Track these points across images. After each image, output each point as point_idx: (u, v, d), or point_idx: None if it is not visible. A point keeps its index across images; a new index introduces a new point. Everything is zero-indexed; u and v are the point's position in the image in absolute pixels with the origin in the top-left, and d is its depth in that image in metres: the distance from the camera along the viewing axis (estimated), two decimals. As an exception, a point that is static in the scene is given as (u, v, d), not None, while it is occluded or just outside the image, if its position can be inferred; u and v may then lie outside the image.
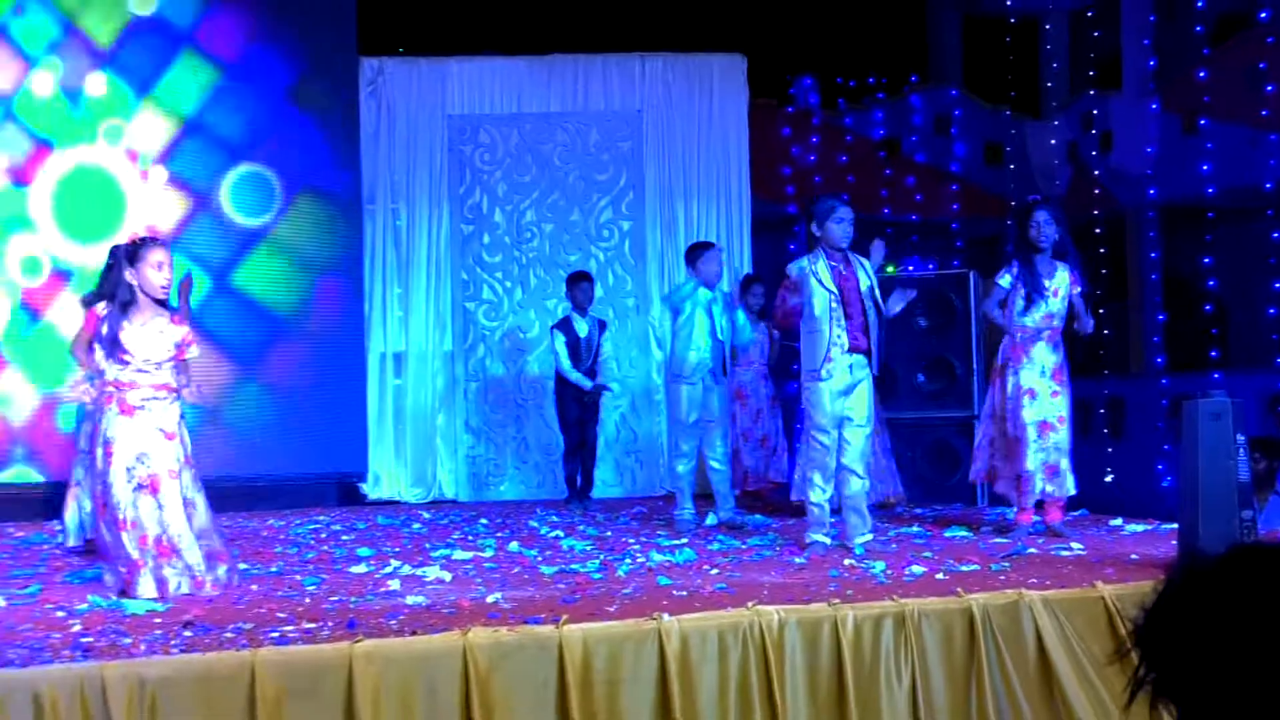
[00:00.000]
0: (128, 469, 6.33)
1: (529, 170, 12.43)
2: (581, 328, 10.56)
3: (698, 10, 12.76)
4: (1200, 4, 13.24)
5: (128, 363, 6.40)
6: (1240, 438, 6.40)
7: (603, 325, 10.74)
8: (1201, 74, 13.45)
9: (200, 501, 6.55)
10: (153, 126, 11.35)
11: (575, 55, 12.50)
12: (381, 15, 12.13)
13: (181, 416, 6.62)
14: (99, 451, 6.41)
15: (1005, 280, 8.01)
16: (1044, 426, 7.82)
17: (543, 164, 12.43)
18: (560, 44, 12.45)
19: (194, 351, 6.65)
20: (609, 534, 8.65)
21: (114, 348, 6.38)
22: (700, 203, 12.48)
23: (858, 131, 15.01)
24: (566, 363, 10.51)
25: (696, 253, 9.27)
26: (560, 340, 10.57)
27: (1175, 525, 6.76)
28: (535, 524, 9.29)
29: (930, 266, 11.79)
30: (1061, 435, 7.87)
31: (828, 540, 7.50)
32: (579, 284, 10.68)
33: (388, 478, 12.10)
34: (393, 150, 12.30)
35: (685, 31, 12.60)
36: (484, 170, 12.43)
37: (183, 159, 11.48)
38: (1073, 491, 7.99)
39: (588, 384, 10.47)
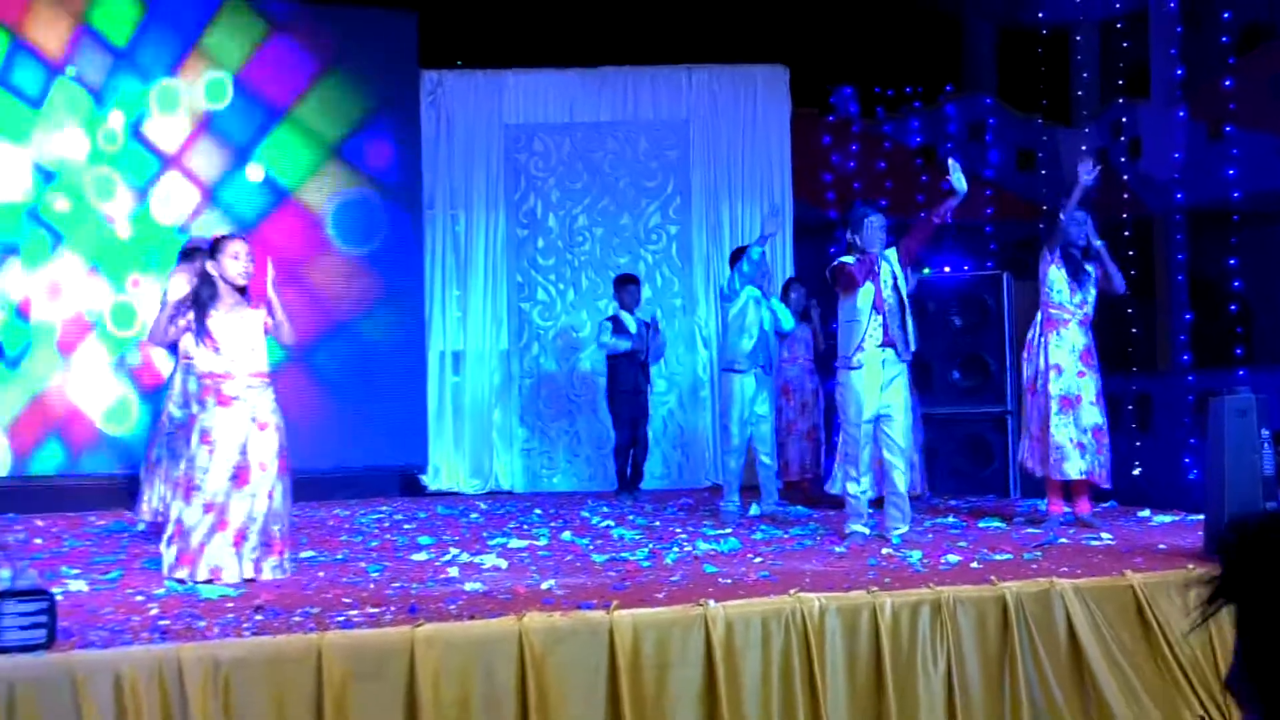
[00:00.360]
0: (226, 459, 6.38)
1: (581, 177, 12.46)
2: (630, 325, 10.58)
3: (742, 23, 12.70)
4: (1226, 15, 13.16)
5: (219, 351, 6.46)
6: (1265, 432, 6.41)
7: (650, 325, 10.74)
8: (1227, 83, 13.33)
9: (279, 490, 6.61)
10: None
11: (625, 67, 12.52)
12: (441, 30, 12.15)
13: (276, 406, 6.69)
14: (194, 439, 6.46)
15: (1055, 266, 8.00)
16: (1066, 401, 7.80)
17: (594, 171, 12.45)
18: (611, 57, 12.44)
19: (286, 336, 6.78)
20: (657, 524, 8.68)
21: (203, 336, 6.45)
22: (744, 208, 12.49)
23: (895, 139, 14.91)
24: (609, 338, 10.69)
25: (736, 257, 9.41)
26: (608, 329, 10.71)
27: (1202, 517, 6.72)
28: (587, 514, 9.33)
29: (966, 268, 11.71)
30: (1095, 416, 7.84)
31: (866, 530, 7.51)
32: (626, 286, 10.76)
33: (447, 470, 12.16)
34: (452, 158, 12.36)
35: (730, 43, 12.57)
36: (538, 177, 12.47)
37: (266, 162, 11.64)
38: (1104, 482, 7.94)
39: (626, 345, 10.58)
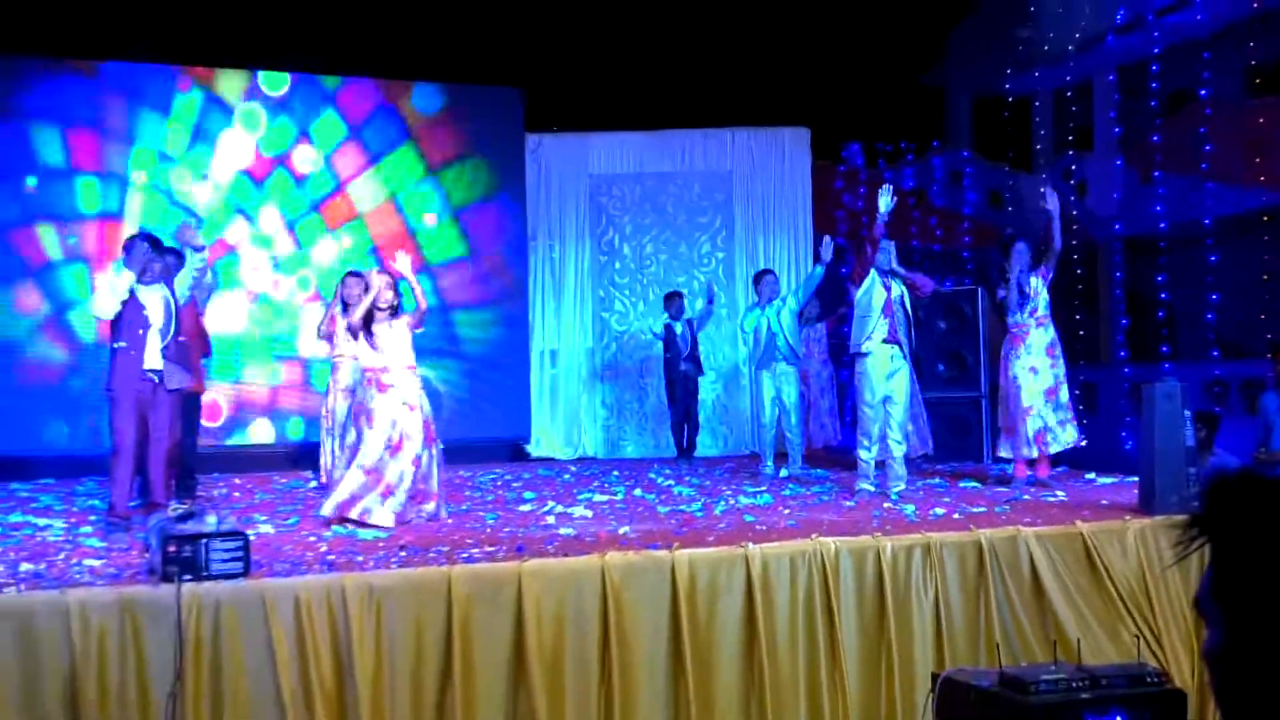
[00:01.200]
0: (384, 434, 6.48)
1: (649, 215, 12.46)
2: (677, 328, 10.63)
3: (774, 95, 12.68)
4: (1154, 85, 13.07)
5: (378, 349, 6.57)
6: (1187, 413, 6.34)
7: (691, 324, 10.76)
8: (1155, 138, 13.26)
9: (426, 456, 6.70)
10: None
11: (682, 130, 12.50)
12: (541, 102, 12.22)
13: (422, 391, 6.79)
14: (360, 417, 6.59)
15: (1001, 293, 7.95)
16: (1050, 393, 7.72)
17: (659, 211, 12.46)
18: (672, 121, 12.44)
19: (421, 300, 6.83)
20: (708, 483, 8.67)
21: (369, 338, 6.59)
22: (775, 238, 12.44)
23: (893, 183, 14.84)
24: (658, 346, 11.03)
25: (759, 278, 9.71)
26: (659, 344, 10.88)
27: (1136, 479, 6.63)
28: (653, 475, 9.32)
29: (948, 284, 11.66)
30: (1063, 394, 7.77)
31: (872, 488, 7.47)
32: (672, 301, 10.86)
33: (545, 440, 12.18)
34: (549, 201, 12.39)
35: (764, 111, 12.56)
36: (615, 216, 12.48)
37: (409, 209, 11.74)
38: (1075, 440, 7.87)
39: (648, 336, 11.07)
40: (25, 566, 5.10)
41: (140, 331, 6.53)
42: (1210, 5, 12.81)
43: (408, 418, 6.57)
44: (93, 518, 6.93)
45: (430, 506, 6.73)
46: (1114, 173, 14.61)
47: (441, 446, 7.01)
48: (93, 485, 8.78)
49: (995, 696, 3.83)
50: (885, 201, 7.61)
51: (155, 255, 6.69)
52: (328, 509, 6.50)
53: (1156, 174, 13.22)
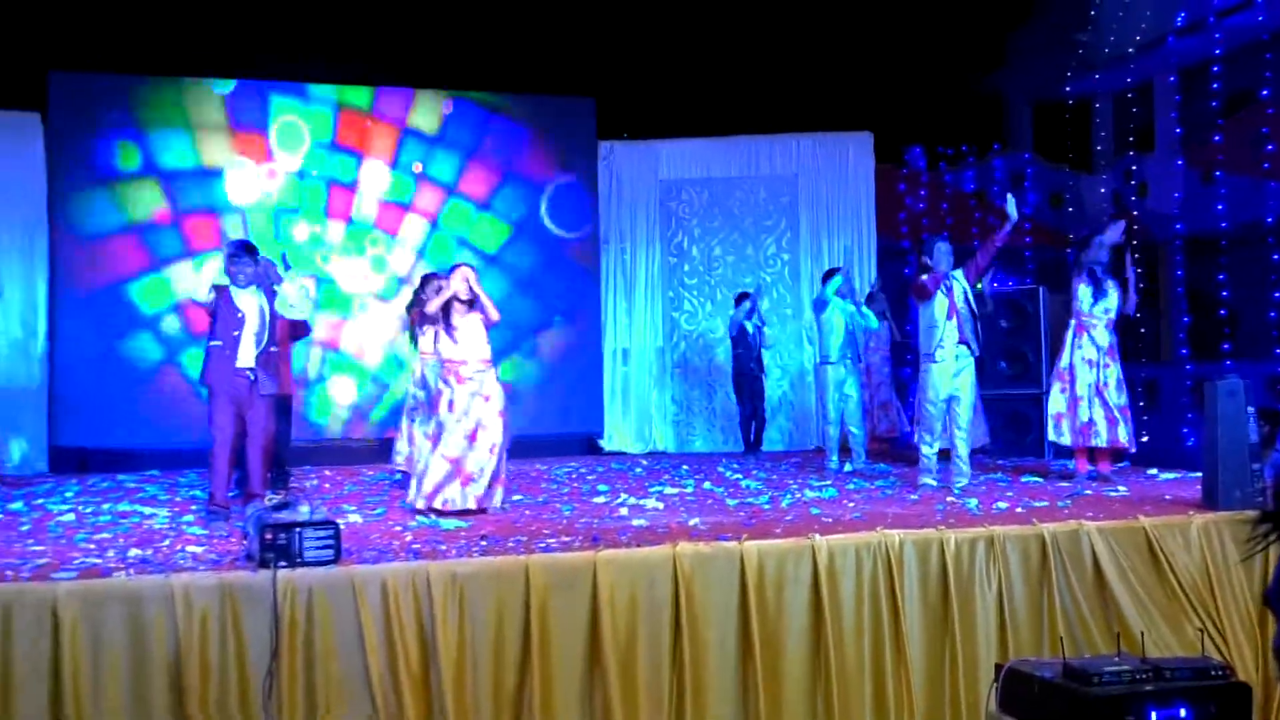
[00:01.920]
0: (462, 424, 6.54)
1: (716, 218, 12.43)
2: (748, 327, 10.63)
3: (837, 101, 12.58)
4: (1215, 85, 12.78)
5: (457, 343, 6.62)
6: (1249, 409, 6.20)
7: (761, 326, 10.72)
8: (1217, 138, 12.93)
9: (499, 445, 6.72)
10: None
11: (750, 136, 12.45)
12: (612, 111, 12.24)
13: (497, 382, 6.82)
14: (441, 408, 6.63)
15: (1080, 286, 7.79)
16: (1099, 388, 7.59)
17: (726, 214, 12.42)
18: (739, 128, 12.41)
19: (494, 314, 6.80)
20: (774, 477, 8.62)
21: (449, 330, 6.64)
22: (839, 240, 12.33)
23: (955, 186, 14.67)
24: (725, 354, 11.05)
25: (827, 276, 9.54)
26: (728, 342, 10.81)
27: (1199, 474, 6.48)
28: (722, 469, 9.29)
29: (1011, 283, 11.49)
30: (1121, 397, 7.62)
31: (934, 482, 7.38)
32: (740, 302, 10.74)
33: (618, 435, 12.20)
34: (620, 205, 12.41)
35: (828, 117, 12.45)
36: (684, 219, 12.46)
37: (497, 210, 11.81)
38: (1132, 445, 7.73)
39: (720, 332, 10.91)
40: (134, 552, 5.23)
41: (235, 332, 6.64)
42: (1272, 6, 12.50)
43: (483, 408, 6.63)
44: (194, 507, 7.06)
45: (499, 492, 6.76)
46: (1175, 173, 14.27)
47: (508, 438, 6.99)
48: (194, 477, 8.93)
49: (1059, 688, 3.76)
50: (1011, 207, 7.50)
51: (249, 261, 6.79)
52: (413, 498, 6.59)
53: (1218, 174, 12.93)
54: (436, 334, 6.90)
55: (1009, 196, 7.63)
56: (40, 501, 7.64)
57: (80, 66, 10.89)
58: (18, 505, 7.43)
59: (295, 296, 6.92)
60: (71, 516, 6.76)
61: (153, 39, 10.93)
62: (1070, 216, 15.25)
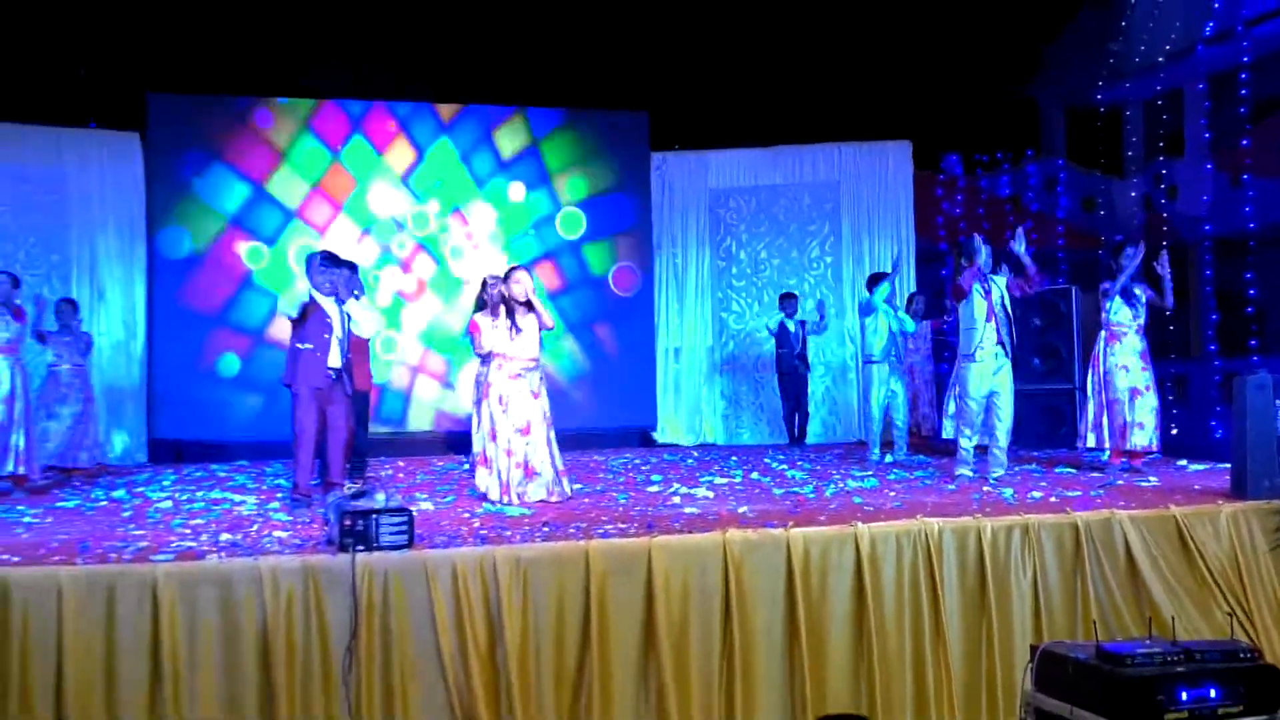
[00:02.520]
0: (514, 418, 6.59)
1: (763, 224, 12.38)
2: (790, 326, 10.56)
3: (877, 111, 12.48)
4: (1244, 92, 12.55)
5: (514, 339, 6.66)
6: (1278, 402, 6.07)
7: (803, 324, 10.66)
8: (1245, 143, 12.71)
9: (550, 436, 6.75)
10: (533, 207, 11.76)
11: (794, 145, 12.38)
12: (664, 124, 12.25)
13: (543, 380, 6.86)
14: (492, 400, 6.68)
15: (1106, 287, 7.71)
16: (1134, 392, 7.47)
17: (772, 220, 12.37)
18: (784, 138, 12.34)
19: (549, 320, 6.84)
20: (818, 467, 8.57)
21: (514, 331, 6.67)
22: (880, 244, 12.23)
23: (990, 191, 14.49)
24: (771, 348, 10.85)
25: (873, 281, 9.46)
26: (772, 341, 10.73)
27: (1228, 465, 6.35)
28: (768, 460, 9.25)
29: (1044, 283, 11.31)
30: (1154, 399, 7.50)
31: (971, 473, 7.30)
32: (785, 301, 10.77)
33: (670, 428, 12.20)
34: (672, 212, 12.41)
35: (868, 126, 12.36)
36: (733, 224, 12.43)
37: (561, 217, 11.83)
38: (1154, 445, 7.59)
39: (763, 334, 10.80)
40: (224, 537, 5.31)
41: (325, 336, 6.70)
42: (1300, 15, 12.26)
43: (532, 404, 6.67)
44: (279, 495, 7.16)
45: (565, 483, 6.82)
46: (1204, 177, 14.00)
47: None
48: (279, 467, 9.05)
49: (1093, 668, 3.71)
50: (1020, 247, 7.38)
51: (334, 270, 6.87)
52: (483, 488, 6.64)
53: (1246, 177, 12.69)
54: (499, 331, 6.90)
55: (1019, 231, 7.46)
56: (140, 489, 7.78)
57: (176, 88, 11.10)
58: (120, 493, 7.56)
59: (362, 316, 7.01)
60: (169, 503, 6.88)
61: (244, 61, 11.11)
62: (1102, 220, 15.05)
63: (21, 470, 7.67)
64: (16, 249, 10.56)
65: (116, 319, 10.94)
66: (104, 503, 7.08)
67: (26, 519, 6.24)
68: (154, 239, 11.00)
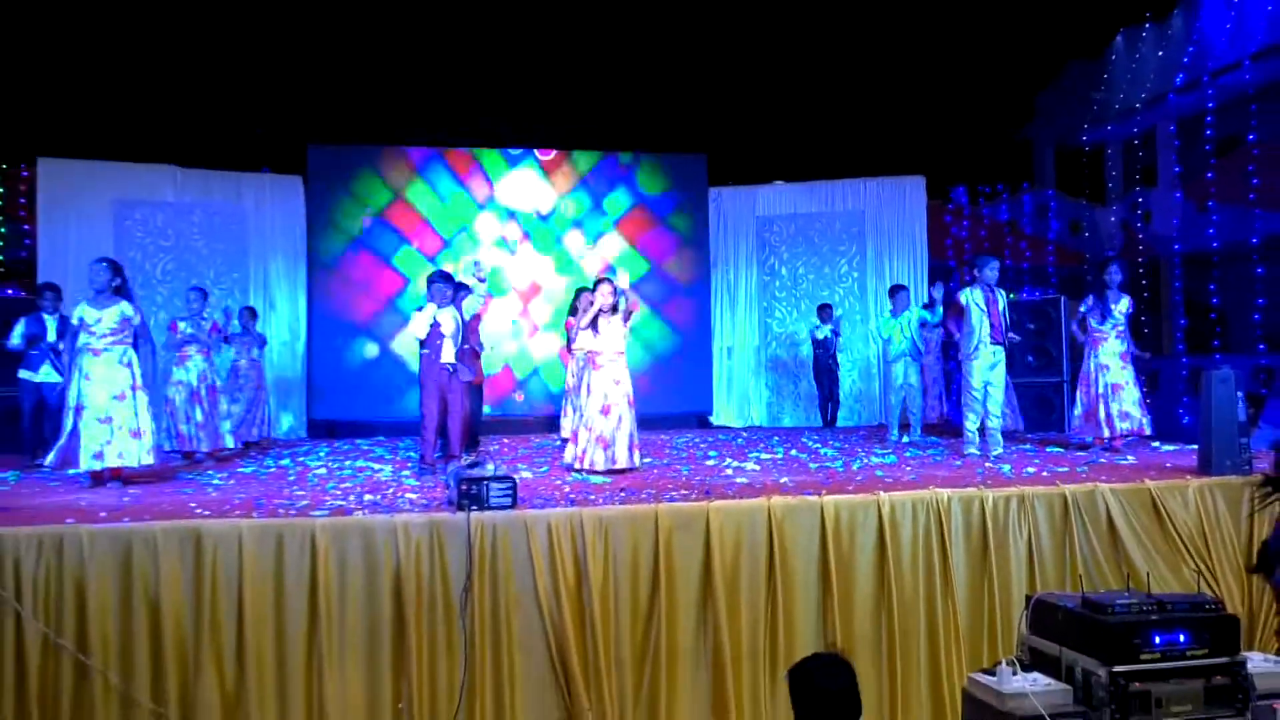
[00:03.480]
0: (600, 402, 6.59)
1: (801, 245, 12.22)
2: (823, 332, 10.42)
3: (896, 151, 12.33)
4: (1209, 132, 12.12)
5: (598, 337, 6.67)
6: (1239, 394, 5.83)
7: (836, 332, 10.52)
8: (1210, 175, 12.28)
9: (630, 417, 6.72)
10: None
11: (827, 180, 12.20)
12: (720, 164, 12.21)
13: (625, 369, 6.79)
14: (584, 389, 6.69)
15: (1083, 308, 7.50)
16: (1116, 387, 7.25)
17: (808, 242, 12.19)
18: (819, 174, 12.20)
19: (635, 318, 6.81)
20: (847, 446, 8.45)
21: (595, 331, 6.68)
22: (897, 262, 12.00)
23: (991, 217, 14.20)
24: (808, 348, 10.74)
25: (894, 291, 9.18)
26: (809, 343, 10.59)
27: (1196, 446, 6.14)
28: (805, 440, 9.15)
29: (1036, 293, 11.07)
30: (1136, 392, 7.27)
31: (976, 452, 7.14)
32: (822, 311, 10.57)
33: (723, 413, 12.12)
34: (726, 236, 12.30)
35: (889, 163, 12.18)
36: (776, 246, 12.29)
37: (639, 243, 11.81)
38: (1146, 429, 7.34)
39: (820, 337, 10.49)
40: (367, 497, 5.40)
41: (438, 341, 6.81)
42: (1257, 68, 11.81)
43: (615, 390, 6.66)
44: (410, 465, 7.25)
45: (636, 455, 6.75)
46: (1174, 204, 13.56)
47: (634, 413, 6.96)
48: (409, 442, 9.15)
49: (1079, 616, 3.60)
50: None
51: (448, 287, 6.96)
52: (569, 460, 6.67)
53: (1210, 204, 12.27)
54: (586, 331, 6.92)
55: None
56: (302, 459, 7.93)
57: (330, 140, 11.34)
58: (286, 462, 7.72)
59: (471, 302, 7.10)
60: (324, 470, 7.01)
61: (378, 118, 11.35)
62: (1087, 241, 14.68)
63: (205, 448, 7.84)
64: (208, 269, 10.87)
65: (284, 324, 11.20)
66: (274, 469, 7.23)
67: (215, 482, 6.42)
68: (312, 261, 11.24)
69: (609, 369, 6.69)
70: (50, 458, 6.04)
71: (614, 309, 6.75)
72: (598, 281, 6.96)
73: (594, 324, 6.71)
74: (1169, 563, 5.16)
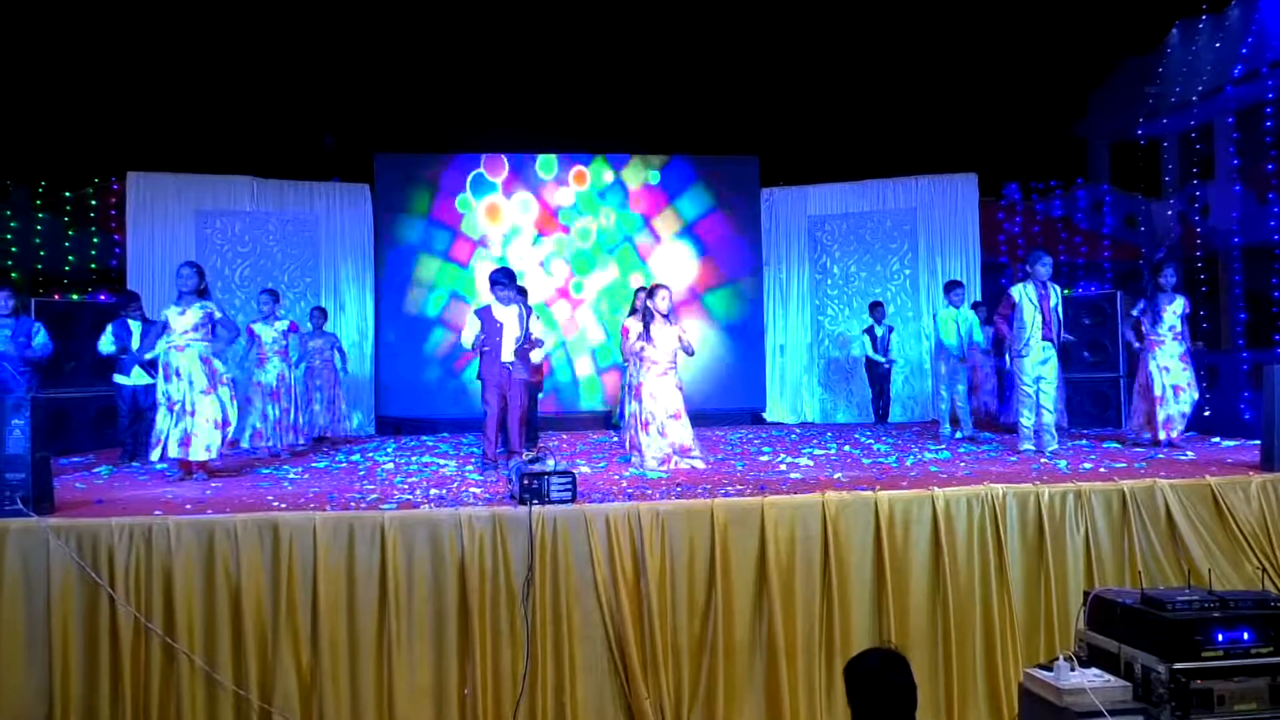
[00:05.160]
0: (660, 404, 6.57)
1: (852, 243, 12.06)
2: (878, 331, 10.25)
3: (948, 148, 12.10)
4: (1268, 124, 11.65)
5: (656, 346, 6.64)
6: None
7: (890, 329, 10.36)
8: (1269, 167, 11.78)
9: (686, 419, 6.70)
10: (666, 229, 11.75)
11: (879, 179, 12.02)
12: (771, 165, 12.11)
13: (679, 375, 6.78)
14: (645, 393, 6.65)
15: (1135, 311, 7.24)
16: (1176, 389, 7.00)
17: (860, 240, 12.04)
18: (870, 173, 12.03)
19: (687, 339, 6.77)
20: (899, 442, 8.30)
21: (648, 339, 6.64)
22: (949, 259, 11.77)
23: (1045, 213, 13.84)
24: (859, 350, 10.61)
25: (949, 287, 8.97)
26: (866, 340, 10.36)
27: (1258, 442, 5.89)
28: (858, 436, 9.02)
29: (1093, 288, 10.76)
30: (1193, 393, 7.02)
31: (1031, 447, 6.97)
32: (874, 309, 10.39)
33: (776, 409, 12.03)
34: (777, 235, 12.20)
35: (941, 160, 11.96)
36: (827, 245, 12.15)
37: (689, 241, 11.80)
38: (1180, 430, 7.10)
39: (881, 359, 10.20)
40: (433, 491, 5.46)
41: (497, 339, 6.84)
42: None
43: (673, 393, 6.63)
44: (473, 460, 7.32)
45: (695, 454, 6.73)
46: (1233, 197, 13.07)
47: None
48: (471, 439, 9.25)
49: (1138, 612, 3.49)
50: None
51: (509, 284, 7.00)
52: (634, 461, 6.65)
53: (1271, 195, 11.79)
54: (641, 335, 6.90)
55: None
56: (371, 455, 8.04)
57: (395, 149, 11.54)
58: (356, 457, 7.84)
59: (535, 328, 7.13)
60: (391, 465, 7.10)
61: (439, 127, 11.52)
62: (1143, 235, 14.24)
63: (283, 444, 8.02)
64: (282, 273, 11.14)
65: (353, 325, 11.42)
66: (345, 465, 7.34)
67: (291, 475, 6.56)
68: (380, 265, 11.44)
69: (670, 376, 6.65)
70: (155, 454, 6.23)
71: (670, 316, 6.70)
72: (654, 286, 6.94)
73: (647, 331, 6.67)
74: (1230, 559, 4.97)
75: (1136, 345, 7.23)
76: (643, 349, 6.68)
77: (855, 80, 12.45)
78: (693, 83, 11.84)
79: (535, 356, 7.33)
